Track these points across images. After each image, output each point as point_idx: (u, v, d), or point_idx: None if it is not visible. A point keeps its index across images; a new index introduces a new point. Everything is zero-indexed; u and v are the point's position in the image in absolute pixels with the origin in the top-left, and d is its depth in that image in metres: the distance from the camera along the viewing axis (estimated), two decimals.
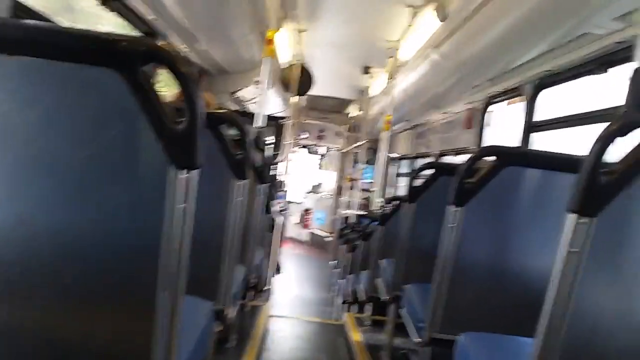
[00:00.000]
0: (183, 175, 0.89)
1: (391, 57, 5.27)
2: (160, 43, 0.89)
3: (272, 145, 6.56)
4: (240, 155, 1.68)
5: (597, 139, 0.90)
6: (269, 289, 5.42)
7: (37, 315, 0.98)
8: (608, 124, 0.91)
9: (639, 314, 1.01)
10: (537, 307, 1.00)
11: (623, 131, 0.91)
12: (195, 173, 0.90)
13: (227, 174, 1.73)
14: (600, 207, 0.91)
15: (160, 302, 0.94)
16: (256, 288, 3.56)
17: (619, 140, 0.93)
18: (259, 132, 2.86)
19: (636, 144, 0.91)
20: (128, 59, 0.84)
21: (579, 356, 1.01)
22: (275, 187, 6.48)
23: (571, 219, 0.93)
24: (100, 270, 0.97)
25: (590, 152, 0.90)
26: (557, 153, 1.61)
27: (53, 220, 0.95)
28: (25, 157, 0.92)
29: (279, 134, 6.44)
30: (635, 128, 0.90)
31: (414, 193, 2.53)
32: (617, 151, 0.95)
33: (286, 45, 5.86)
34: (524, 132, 3.69)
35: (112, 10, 2.97)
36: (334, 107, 10.58)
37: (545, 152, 1.64)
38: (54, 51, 0.86)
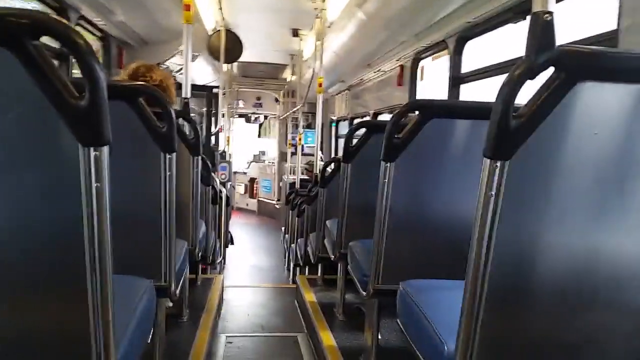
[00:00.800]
0: (92, 153, 0.84)
1: (318, 18, 5.20)
2: (50, 15, 0.82)
3: (207, 117, 6.40)
4: (164, 128, 1.62)
5: (503, 85, 0.93)
6: (220, 261, 5.40)
7: None
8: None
9: (558, 250, 1.08)
10: (467, 250, 1.05)
11: (530, 75, 0.94)
12: (105, 150, 0.86)
13: (154, 149, 1.67)
14: (512, 151, 0.95)
15: (90, 284, 0.91)
16: (205, 261, 3.53)
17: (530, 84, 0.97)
18: (185, 103, 2.77)
19: (539, 86, 0.95)
20: (16, 34, 0.78)
21: (506, 294, 1.07)
22: (215, 158, 6.37)
23: (486, 163, 0.97)
24: (24, 261, 0.93)
25: (497, 97, 0.93)
26: (476, 102, 1.66)
27: None
28: None
29: (212, 104, 6.27)
30: (539, 71, 0.93)
31: (349, 153, 2.56)
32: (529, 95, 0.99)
33: (209, 11, 5.64)
34: (450, 85, 3.79)
35: None
36: (269, 73, 10.40)
37: (465, 102, 1.70)
38: None
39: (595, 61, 0.95)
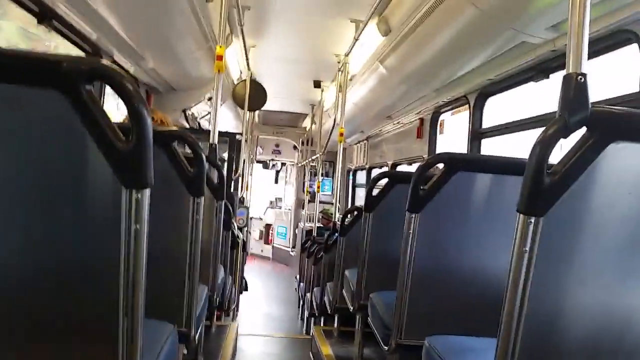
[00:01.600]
0: (134, 195, 0.87)
1: (340, 70, 5.35)
2: (104, 61, 0.87)
3: (228, 162, 6.50)
4: (194, 172, 1.66)
5: (537, 142, 0.94)
6: (235, 308, 5.33)
7: None
8: (544, 127, 0.95)
9: (590, 308, 1.06)
10: (497, 307, 1.03)
11: (564, 134, 0.96)
12: (146, 192, 0.88)
13: (183, 193, 1.70)
14: (546, 207, 0.95)
15: (120, 327, 0.91)
16: (221, 307, 3.49)
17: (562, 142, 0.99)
18: (212, 148, 2.83)
19: (572, 145, 0.96)
20: (71, 78, 0.82)
21: (539, 352, 1.05)
22: (234, 203, 6.41)
23: (520, 219, 0.97)
24: (56, 298, 0.95)
25: (531, 155, 0.94)
26: (501, 157, 1.68)
27: (2, 249, 0.91)
28: None
29: (234, 150, 6.38)
30: (573, 130, 0.94)
31: (371, 203, 2.56)
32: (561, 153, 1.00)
33: (236, 61, 5.84)
34: (470, 139, 3.82)
35: (52, 29, 2.87)
36: (289, 122, 10.61)
37: (491, 156, 1.71)
38: None
39: (628, 122, 0.97)
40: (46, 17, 2.77)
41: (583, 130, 0.96)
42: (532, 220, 0.96)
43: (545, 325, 1.03)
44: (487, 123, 3.81)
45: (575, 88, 0.96)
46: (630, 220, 1.02)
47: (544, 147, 0.94)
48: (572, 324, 1.05)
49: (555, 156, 0.98)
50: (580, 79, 0.97)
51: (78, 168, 0.91)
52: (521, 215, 0.97)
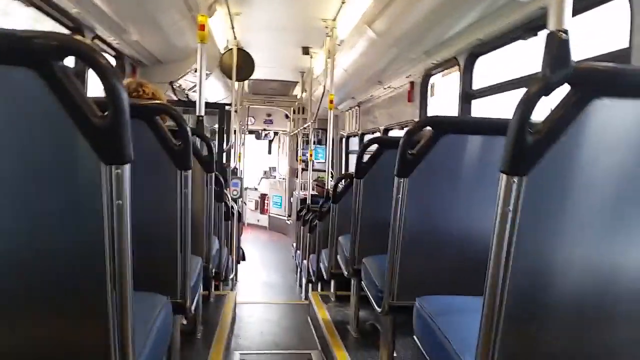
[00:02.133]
0: (114, 171, 0.86)
1: (328, 36, 5.26)
2: (75, 37, 0.85)
3: (219, 134, 6.47)
4: (180, 145, 1.65)
5: (520, 101, 0.93)
6: (232, 277, 5.40)
7: None
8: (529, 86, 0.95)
9: (575, 264, 1.07)
10: (484, 266, 1.04)
11: (546, 91, 0.95)
12: (126, 168, 0.88)
13: (170, 166, 1.69)
14: (529, 166, 0.95)
15: (110, 301, 0.92)
16: (218, 277, 3.54)
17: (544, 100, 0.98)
18: (199, 120, 2.81)
19: (556, 103, 0.95)
20: (42, 55, 0.80)
21: (524, 309, 1.07)
22: (227, 174, 6.41)
23: (503, 179, 0.97)
24: (45, 277, 0.95)
25: (515, 114, 0.94)
26: (488, 118, 1.67)
27: None
28: None
29: (224, 121, 6.33)
30: (555, 88, 0.94)
31: (361, 169, 2.57)
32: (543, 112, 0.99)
33: (221, 30, 5.73)
34: (460, 101, 3.80)
35: (30, 4, 2.80)
36: (279, 90, 10.50)
37: (478, 118, 1.70)
38: None
39: (611, 78, 0.96)
40: None
41: (567, 87, 0.96)
42: (515, 179, 0.96)
43: (531, 283, 1.05)
44: (477, 83, 3.78)
45: (557, 45, 0.95)
46: (613, 176, 1.03)
47: (526, 106, 0.93)
48: (557, 280, 1.07)
49: (540, 115, 0.98)
50: (563, 35, 0.95)
51: (58, 146, 0.90)
52: (504, 175, 0.97)
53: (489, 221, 1.04)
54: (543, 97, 0.97)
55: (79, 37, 0.86)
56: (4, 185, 0.89)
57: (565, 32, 0.97)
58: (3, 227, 0.91)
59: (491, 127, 1.64)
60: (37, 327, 0.97)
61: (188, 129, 1.65)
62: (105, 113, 0.85)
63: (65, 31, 3.36)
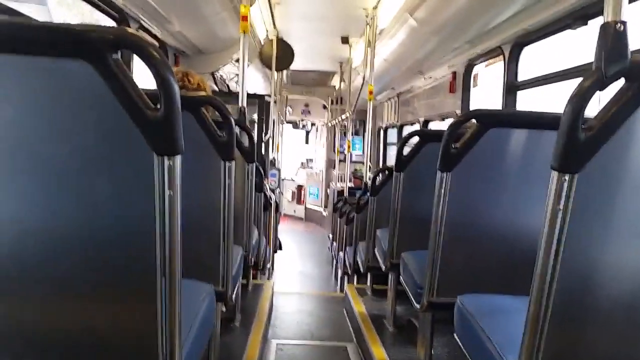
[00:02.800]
0: (166, 162, 0.88)
1: (368, 25, 5.21)
2: (129, 30, 0.87)
3: (258, 124, 6.53)
4: (223, 136, 1.67)
5: (572, 96, 0.90)
6: (270, 267, 5.47)
7: (38, 312, 1.01)
8: (581, 80, 0.91)
9: (627, 266, 1.04)
10: (530, 265, 1.02)
11: (601, 86, 0.91)
12: (177, 159, 0.90)
13: (214, 157, 1.72)
14: (581, 163, 0.92)
15: (159, 288, 0.95)
16: (257, 267, 3.60)
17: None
18: (241, 111, 2.84)
19: (609, 98, 0.92)
20: (97, 48, 0.83)
21: (572, 310, 1.04)
22: (266, 165, 6.48)
23: (554, 176, 0.94)
24: (96, 263, 0.98)
25: (566, 109, 0.91)
26: (536, 112, 1.62)
27: (41, 217, 0.96)
28: (4, 156, 0.91)
29: (263, 111, 6.38)
30: (610, 82, 0.90)
31: (401, 162, 2.54)
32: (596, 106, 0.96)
33: (261, 20, 5.76)
34: (505, 93, 3.69)
35: None
36: (317, 81, 10.50)
37: (525, 112, 1.65)
38: (23, 46, 0.84)
39: None
40: None
41: (622, 82, 0.92)
42: (567, 177, 0.93)
43: (579, 284, 1.02)
44: (524, 77, 3.66)
45: (613, 37, 0.91)
46: None
47: (579, 101, 0.90)
48: (606, 282, 1.04)
49: (593, 110, 0.94)
50: (619, 27, 0.91)
51: (112, 137, 0.93)
52: (555, 172, 0.94)
53: (534, 219, 1.02)
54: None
55: (131, 30, 0.88)
56: (62, 175, 0.93)
57: (623, 23, 0.92)
58: (60, 215, 0.95)
59: (539, 121, 1.59)
60: (89, 310, 1.01)
61: (233, 120, 1.67)
62: (157, 105, 0.87)
63: (111, 22, 3.46)
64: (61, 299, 1.00)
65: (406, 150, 2.59)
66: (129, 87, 0.86)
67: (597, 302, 1.05)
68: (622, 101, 0.91)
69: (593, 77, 0.91)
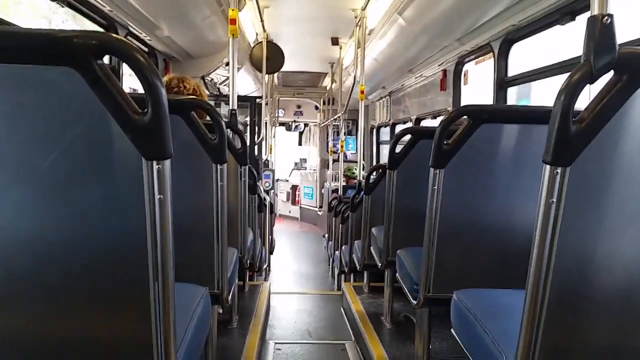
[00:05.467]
0: (155, 166, 0.88)
1: (358, 26, 5.21)
2: (113, 35, 0.86)
3: (250, 126, 6.52)
4: (214, 139, 1.67)
5: (562, 89, 0.90)
6: (266, 268, 5.46)
7: (31, 321, 1.00)
8: (569, 73, 0.91)
9: (621, 256, 1.04)
10: (525, 259, 1.02)
11: (590, 79, 0.92)
12: (167, 163, 0.89)
13: (206, 160, 1.72)
14: (573, 156, 0.92)
15: (152, 292, 0.94)
16: (252, 268, 3.59)
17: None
18: (232, 114, 2.83)
19: (599, 90, 0.92)
20: (81, 54, 0.82)
21: (568, 302, 1.04)
22: (259, 167, 6.47)
23: (546, 169, 0.94)
24: (90, 269, 0.98)
25: (556, 102, 0.91)
26: (527, 106, 1.63)
27: (32, 225, 0.95)
28: None
29: (255, 113, 6.38)
30: (600, 75, 0.90)
31: (394, 160, 2.54)
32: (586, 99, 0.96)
33: (251, 23, 5.75)
34: (496, 89, 3.71)
35: (65, 4, 2.87)
36: (308, 82, 10.49)
37: (516, 106, 1.66)
38: (6, 54, 0.83)
39: None
40: None
41: (611, 74, 0.92)
42: (559, 170, 0.93)
43: (575, 276, 1.02)
44: (514, 72, 3.68)
45: (600, 30, 0.91)
46: None
47: (568, 94, 0.90)
48: (601, 274, 1.04)
49: (584, 103, 0.94)
50: (607, 20, 0.91)
51: (99, 142, 0.92)
52: (547, 165, 0.94)
53: (528, 213, 1.02)
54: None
55: (116, 36, 0.87)
56: (49, 182, 0.92)
57: (610, 16, 0.92)
58: (51, 222, 0.94)
59: (530, 116, 1.60)
60: (82, 317, 1.00)
61: (223, 123, 1.67)
62: (145, 110, 0.86)
63: (99, 29, 3.44)
64: (54, 306, 0.99)
65: (399, 148, 2.59)
66: (115, 92, 0.85)
67: (592, 293, 1.06)
68: (611, 93, 0.91)
69: (582, 70, 0.91)
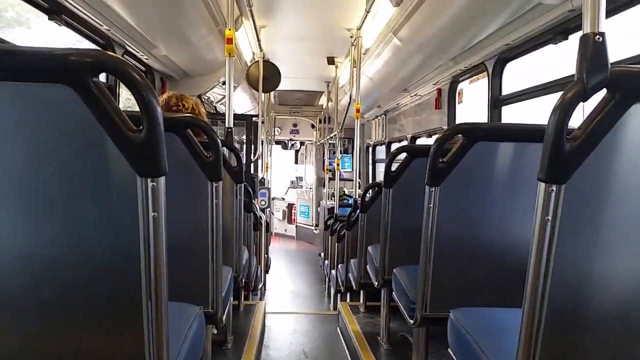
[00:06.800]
0: (149, 184, 0.87)
1: (353, 45, 5.28)
2: (109, 53, 0.87)
3: (246, 144, 6.54)
4: (211, 157, 1.66)
5: (556, 107, 0.91)
6: (261, 287, 5.42)
7: (23, 338, 0.99)
8: (563, 92, 0.92)
9: (617, 274, 1.04)
10: (521, 277, 1.02)
11: (583, 97, 0.92)
12: (161, 180, 0.89)
13: (202, 178, 1.71)
14: (567, 174, 0.92)
15: (145, 312, 0.93)
16: (247, 287, 3.56)
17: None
18: (228, 132, 2.84)
19: (592, 108, 0.92)
20: (78, 72, 0.82)
21: (565, 321, 1.03)
22: (255, 185, 6.46)
23: (541, 187, 0.94)
24: (81, 287, 0.97)
25: (550, 120, 0.91)
26: (522, 124, 1.63)
27: (26, 243, 0.94)
28: None
29: (251, 132, 6.40)
30: (592, 93, 0.91)
31: (390, 178, 2.54)
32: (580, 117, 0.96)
33: (247, 42, 5.81)
34: (490, 107, 3.74)
35: (63, 24, 2.89)
36: (305, 100, 10.56)
37: (510, 124, 1.66)
38: (2, 72, 0.84)
39: None
40: (56, 11, 2.79)
41: (604, 92, 0.93)
42: (554, 188, 0.93)
43: (571, 294, 1.02)
44: (509, 90, 3.72)
45: (593, 48, 0.92)
46: None
47: (562, 112, 0.90)
48: (598, 292, 1.03)
49: (578, 121, 0.95)
50: (598, 38, 0.92)
51: (94, 160, 0.92)
52: (542, 183, 0.94)
53: (524, 231, 1.02)
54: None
55: (111, 53, 0.87)
56: (44, 199, 0.92)
57: (602, 35, 0.94)
58: (43, 239, 0.94)
59: (524, 134, 1.60)
60: (74, 336, 0.99)
61: (219, 141, 1.67)
62: (140, 127, 0.86)
63: (97, 48, 3.46)
64: (47, 323, 0.98)
65: (394, 166, 2.60)
66: (111, 109, 0.85)
67: (589, 311, 1.05)
68: (605, 111, 0.92)
69: (575, 89, 0.92)
